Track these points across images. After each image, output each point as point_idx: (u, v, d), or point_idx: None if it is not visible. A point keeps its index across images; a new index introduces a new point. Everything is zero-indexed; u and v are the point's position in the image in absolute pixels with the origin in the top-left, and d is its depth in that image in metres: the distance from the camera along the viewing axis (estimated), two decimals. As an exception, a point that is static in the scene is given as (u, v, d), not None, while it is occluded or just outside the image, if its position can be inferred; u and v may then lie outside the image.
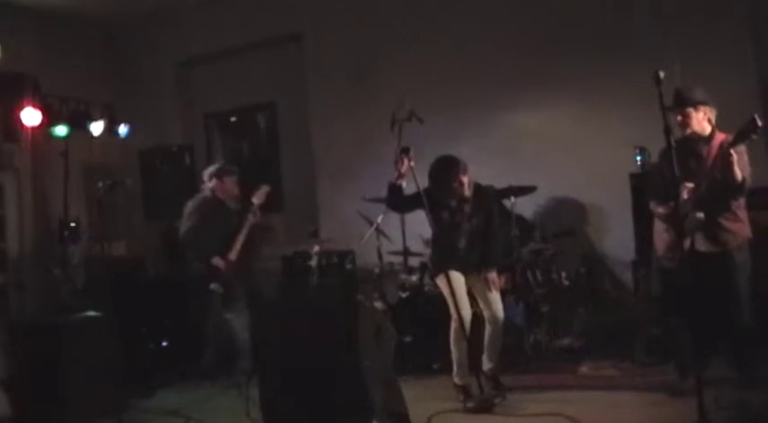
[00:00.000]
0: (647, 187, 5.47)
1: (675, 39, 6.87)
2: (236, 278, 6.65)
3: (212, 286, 6.51)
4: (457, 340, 5.50)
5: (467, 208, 5.63)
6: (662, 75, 4.23)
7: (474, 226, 5.64)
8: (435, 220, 5.55)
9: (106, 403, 5.18)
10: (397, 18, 8.43)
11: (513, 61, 7.74)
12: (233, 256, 6.65)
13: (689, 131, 4.93)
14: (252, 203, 6.73)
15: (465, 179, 5.56)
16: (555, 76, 7.48)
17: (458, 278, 5.47)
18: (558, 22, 7.56)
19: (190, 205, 6.82)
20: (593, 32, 7.37)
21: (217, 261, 6.58)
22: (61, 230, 7.90)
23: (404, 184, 5.49)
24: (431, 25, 8.22)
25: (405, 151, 5.44)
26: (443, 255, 5.58)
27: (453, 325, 5.51)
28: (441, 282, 5.58)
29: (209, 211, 6.75)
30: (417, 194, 5.41)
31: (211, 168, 7.01)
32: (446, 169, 5.55)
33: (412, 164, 5.38)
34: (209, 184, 6.87)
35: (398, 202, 5.70)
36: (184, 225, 6.76)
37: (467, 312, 5.45)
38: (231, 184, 6.89)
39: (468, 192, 5.60)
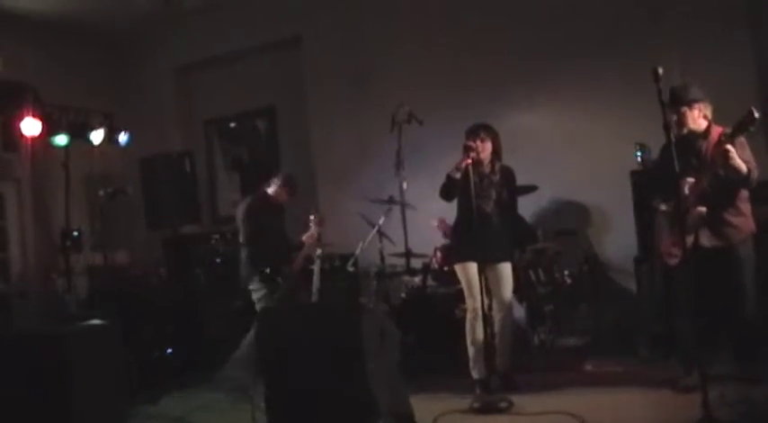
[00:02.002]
0: (649, 185, 5.47)
1: (674, 35, 6.89)
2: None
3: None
4: (472, 332, 5.52)
5: (493, 192, 5.68)
6: (660, 71, 4.23)
7: (498, 209, 5.70)
8: (461, 206, 5.64)
9: (110, 411, 5.17)
10: (394, 20, 8.45)
11: (511, 61, 7.76)
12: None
13: (685, 130, 4.95)
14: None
15: (483, 144, 5.65)
16: (554, 74, 7.49)
17: (475, 269, 5.47)
18: (556, 20, 7.57)
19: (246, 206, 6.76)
20: (592, 30, 7.38)
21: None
22: (63, 240, 7.90)
23: (457, 175, 5.51)
24: (429, 26, 8.23)
25: (467, 149, 5.47)
26: (465, 242, 5.61)
27: (468, 316, 5.57)
28: (459, 270, 5.67)
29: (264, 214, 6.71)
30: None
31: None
32: (471, 130, 5.69)
33: (468, 161, 5.40)
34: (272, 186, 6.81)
35: (452, 195, 5.71)
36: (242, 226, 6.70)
37: (479, 304, 5.47)
38: (287, 193, 6.84)
39: (485, 157, 5.70)
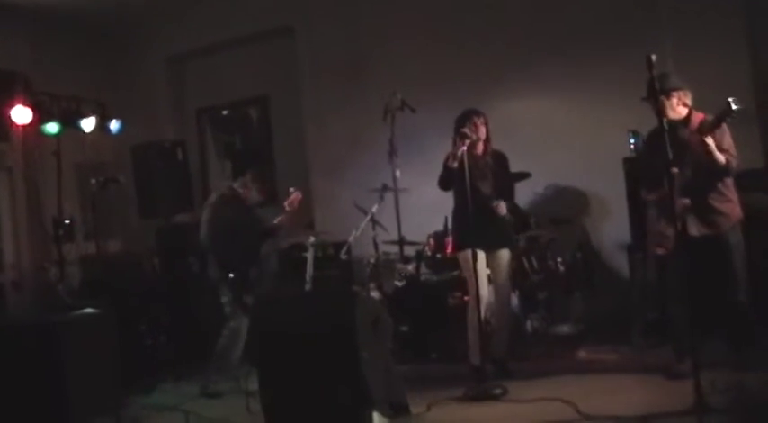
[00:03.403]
0: (638, 174, 5.48)
1: (668, 23, 6.88)
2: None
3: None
4: (473, 320, 5.53)
5: (489, 173, 5.72)
6: (654, 59, 4.23)
7: (493, 193, 5.71)
8: (458, 193, 5.66)
9: (105, 400, 5.18)
10: (388, 8, 8.42)
11: (504, 49, 7.73)
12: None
13: (665, 120, 4.94)
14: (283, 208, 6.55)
15: (479, 127, 5.68)
16: (547, 62, 7.47)
17: (479, 257, 5.48)
18: (549, 8, 7.55)
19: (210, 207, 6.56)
20: (586, 18, 7.37)
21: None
22: (56, 229, 7.88)
23: (455, 164, 5.50)
24: (422, 16, 8.20)
25: (463, 135, 5.46)
26: (464, 230, 5.62)
27: (472, 303, 5.58)
28: (462, 258, 5.69)
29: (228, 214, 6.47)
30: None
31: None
32: (464, 115, 5.71)
33: (464, 148, 5.39)
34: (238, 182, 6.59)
35: (451, 184, 5.71)
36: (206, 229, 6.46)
37: (484, 292, 5.48)
38: (262, 190, 6.67)
39: (481, 137, 5.71)
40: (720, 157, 4.66)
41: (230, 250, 6.24)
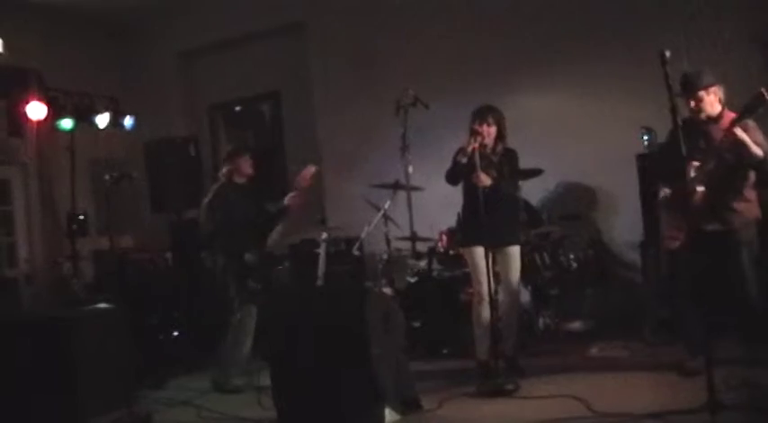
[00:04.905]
0: (656, 168, 5.45)
1: (681, 18, 6.84)
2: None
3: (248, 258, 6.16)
4: (477, 316, 5.54)
5: (494, 171, 5.64)
6: (668, 54, 4.21)
7: (503, 193, 5.65)
8: (467, 189, 5.64)
9: (117, 395, 5.20)
10: (400, 3, 8.41)
11: (517, 45, 7.73)
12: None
13: (704, 115, 4.91)
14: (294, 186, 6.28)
15: (489, 129, 5.61)
16: (560, 58, 7.46)
17: (482, 253, 5.46)
18: (563, 4, 7.53)
19: (209, 195, 6.46)
20: (598, 14, 7.34)
21: (249, 257, 6.20)
22: (69, 224, 7.92)
23: (464, 160, 5.47)
24: (433, 10, 8.20)
25: (473, 132, 5.44)
26: (471, 226, 5.60)
27: (474, 300, 5.59)
28: (466, 254, 5.68)
29: (230, 199, 6.34)
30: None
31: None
32: (478, 111, 5.65)
33: (475, 145, 5.37)
34: (223, 170, 6.49)
35: (458, 179, 5.69)
36: (205, 217, 6.37)
37: (485, 288, 5.47)
38: (245, 164, 6.47)
39: (489, 141, 5.64)
40: (757, 150, 4.63)
41: (233, 234, 6.17)
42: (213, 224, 6.28)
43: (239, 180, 6.42)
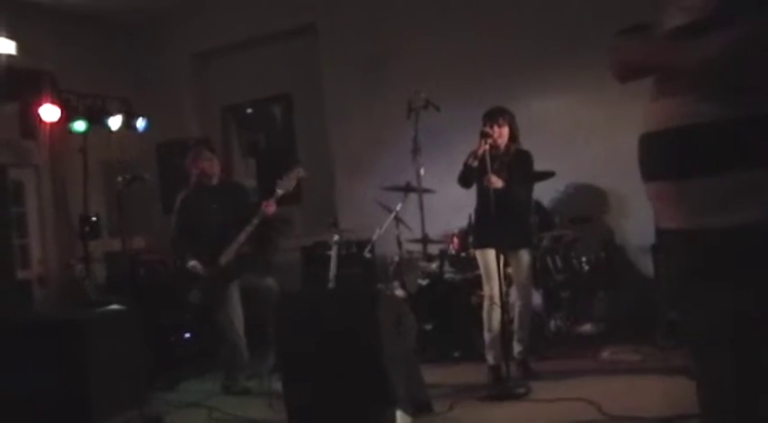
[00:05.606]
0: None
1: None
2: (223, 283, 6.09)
3: (190, 297, 6.07)
4: (488, 319, 5.54)
5: (505, 173, 5.62)
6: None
7: (512, 193, 5.60)
8: (479, 192, 5.64)
9: (129, 396, 5.21)
10: (412, 5, 8.42)
11: (528, 46, 7.71)
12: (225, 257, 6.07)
13: None
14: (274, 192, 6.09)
15: (500, 130, 5.60)
16: (571, 60, 7.43)
17: (494, 256, 5.44)
18: (573, 6, 7.51)
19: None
20: (609, 15, 7.31)
21: (194, 265, 6.10)
22: (82, 226, 7.95)
23: (475, 163, 5.46)
24: (445, 12, 8.19)
25: (484, 134, 5.42)
26: (483, 228, 5.60)
27: (485, 303, 5.58)
28: (478, 256, 5.68)
29: (186, 206, 6.21)
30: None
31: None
32: (489, 113, 5.65)
33: (486, 147, 5.35)
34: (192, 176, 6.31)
35: (470, 182, 5.67)
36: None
37: (496, 291, 5.46)
38: (209, 165, 6.25)
39: (501, 142, 5.64)
40: None
41: (198, 240, 6.11)
42: (175, 232, 6.30)
43: (208, 182, 6.30)
